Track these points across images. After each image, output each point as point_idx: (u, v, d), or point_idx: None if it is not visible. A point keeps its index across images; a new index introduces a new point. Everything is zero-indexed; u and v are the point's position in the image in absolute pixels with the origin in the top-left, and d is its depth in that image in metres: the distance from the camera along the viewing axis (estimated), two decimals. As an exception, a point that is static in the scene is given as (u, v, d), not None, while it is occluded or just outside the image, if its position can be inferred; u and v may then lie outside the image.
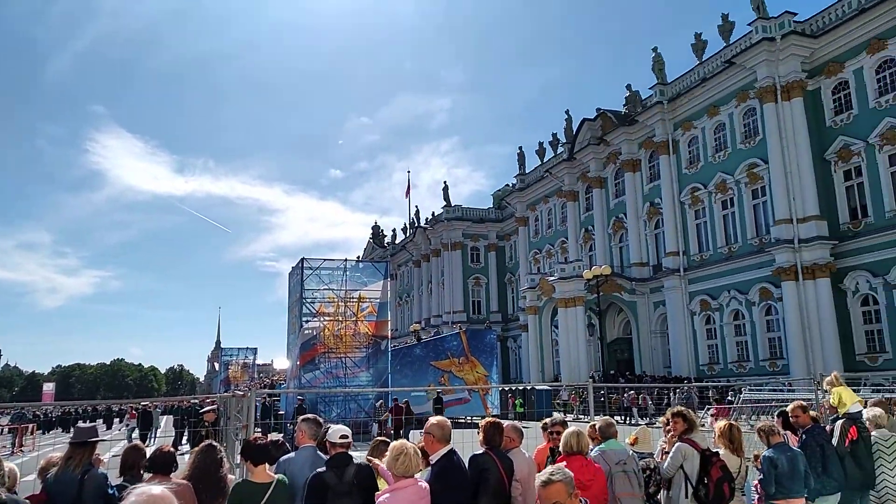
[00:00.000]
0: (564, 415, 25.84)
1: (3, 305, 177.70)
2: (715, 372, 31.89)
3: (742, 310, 31.09)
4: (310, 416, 4.54)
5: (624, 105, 39.55)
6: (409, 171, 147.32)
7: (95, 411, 39.37)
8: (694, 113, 33.97)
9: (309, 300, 22.67)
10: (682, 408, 5.16)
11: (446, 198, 58.33)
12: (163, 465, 4.17)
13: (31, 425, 25.39)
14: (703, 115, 33.35)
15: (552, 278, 37.97)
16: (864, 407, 6.26)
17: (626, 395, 26.90)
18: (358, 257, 66.09)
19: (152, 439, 21.63)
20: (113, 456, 5.76)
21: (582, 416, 24.58)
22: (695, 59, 34.08)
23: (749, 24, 29.78)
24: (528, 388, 28.71)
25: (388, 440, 4.52)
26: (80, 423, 6.01)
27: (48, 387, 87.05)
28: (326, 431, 4.63)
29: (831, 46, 28.04)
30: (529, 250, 50.65)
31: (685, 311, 33.77)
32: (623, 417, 26.14)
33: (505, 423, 5.10)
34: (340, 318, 22.47)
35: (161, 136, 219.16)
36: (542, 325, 41.05)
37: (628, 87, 39.09)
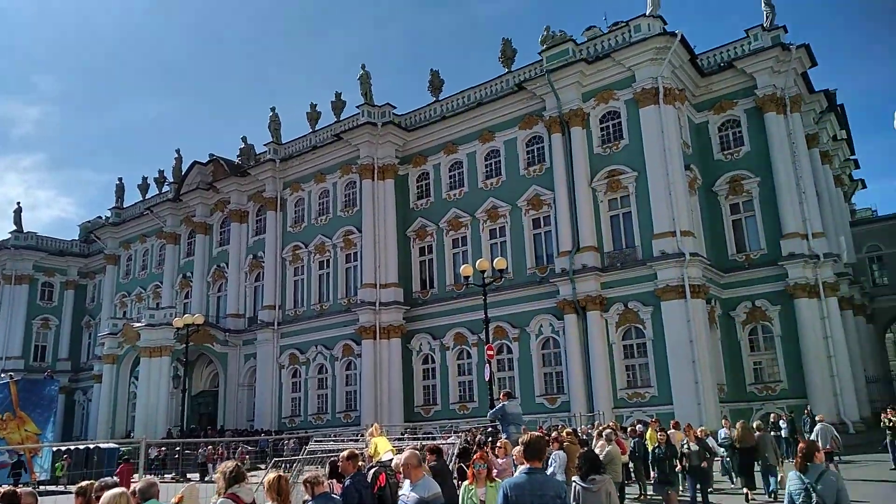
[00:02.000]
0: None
1: None
2: (295, 424, 32.93)
3: (326, 364, 33.08)
4: None
5: (238, 156, 39.63)
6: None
7: None
8: (303, 176, 35.90)
9: None
10: (229, 464, 5.15)
11: (17, 221, 49.17)
12: None
13: None
14: (311, 179, 35.51)
15: (138, 324, 34.87)
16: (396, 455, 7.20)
17: (200, 450, 25.78)
18: None
19: None
20: None
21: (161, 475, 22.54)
22: (308, 126, 36.37)
23: (358, 107, 33.22)
24: (91, 446, 25.29)
25: None
26: None
27: None
28: None
29: (420, 141, 32.97)
30: (117, 292, 45.80)
31: (275, 364, 34.43)
32: (200, 474, 24.90)
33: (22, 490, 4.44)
34: None
35: None
36: (120, 376, 37.07)
37: (244, 139, 39.48)
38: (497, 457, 9.36)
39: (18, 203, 49.84)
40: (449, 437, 15.01)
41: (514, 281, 28.51)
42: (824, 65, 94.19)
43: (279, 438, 25.18)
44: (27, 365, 45.85)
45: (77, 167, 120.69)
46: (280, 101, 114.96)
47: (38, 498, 4.95)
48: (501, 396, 12.60)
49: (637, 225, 26.02)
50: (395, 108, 33.48)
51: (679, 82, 27.21)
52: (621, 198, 26.75)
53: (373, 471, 6.63)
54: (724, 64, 28.64)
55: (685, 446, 12.65)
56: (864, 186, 45.46)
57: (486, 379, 20.31)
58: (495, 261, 22.38)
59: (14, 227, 48.89)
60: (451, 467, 9.55)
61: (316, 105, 36.49)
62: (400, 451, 7.31)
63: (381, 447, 6.93)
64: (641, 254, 25.59)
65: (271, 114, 37.41)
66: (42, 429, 24.45)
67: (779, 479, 13.67)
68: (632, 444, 15.12)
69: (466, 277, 21.88)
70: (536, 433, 6.13)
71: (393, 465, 7.03)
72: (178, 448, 25.38)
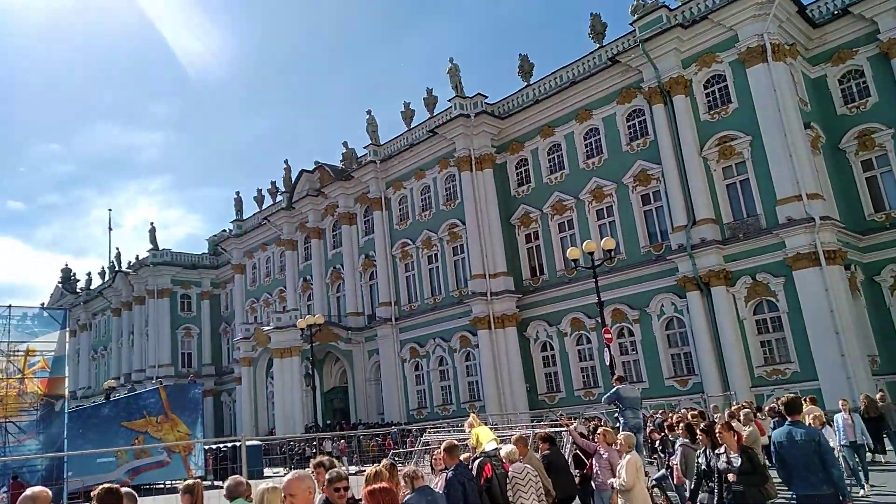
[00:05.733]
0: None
1: None
2: (423, 416, 33.53)
3: (446, 356, 33.52)
4: None
5: (341, 160, 41.05)
6: (110, 210, 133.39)
7: None
8: (403, 174, 36.51)
9: (-41, 356, 18.68)
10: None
11: (153, 240, 53.70)
12: None
13: None
14: (412, 176, 36.06)
15: (267, 328, 37.04)
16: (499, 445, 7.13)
17: (334, 443, 26.96)
18: (42, 304, 56.99)
19: None
20: None
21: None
22: (404, 125, 36.95)
23: (449, 101, 33.28)
24: (238, 444, 27.15)
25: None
26: None
27: None
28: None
29: (515, 128, 32.56)
30: (246, 299, 48.85)
31: (396, 358, 35.33)
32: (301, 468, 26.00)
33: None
34: (1, 376, 18.92)
35: None
36: (257, 377, 39.64)
37: (345, 144, 40.88)
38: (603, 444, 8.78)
39: (152, 223, 54.51)
40: (572, 424, 14.72)
41: (628, 261, 27.61)
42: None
43: (406, 429, 25.76)
44: (177, 371, 50.09)
45: (198, 185, 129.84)
46: (375, 104, 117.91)
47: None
48: (614, 381, 12.20)
49: (757, 192, 24.37)
50: (486, 97, 33.28)
51: (788, 37, 25.11)
52: (736, 165, 25.13)
53: (477, 462, 6.60)
54: (838, 11, 26.06)
55: (721, 458, 6.97)
56: None
57: (607, 364, 19.78)
58: (603, 241, 21.79)
59: (151, 246, 53.49)
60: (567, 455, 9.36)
61: (409, 103, 36.95)
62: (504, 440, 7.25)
63: (483, 438, 6.89)
64: (765, 222, 23.93)
65: (368, 116, 38.30)
66: (192, 429, 26.56)
67: None
68: (771, 425, 13.76)
69: (575, 261, 21.44)
70: (791, 395, 6.63)
71: (502, 454, 6.98)
72: (302, 444, 26.61)
